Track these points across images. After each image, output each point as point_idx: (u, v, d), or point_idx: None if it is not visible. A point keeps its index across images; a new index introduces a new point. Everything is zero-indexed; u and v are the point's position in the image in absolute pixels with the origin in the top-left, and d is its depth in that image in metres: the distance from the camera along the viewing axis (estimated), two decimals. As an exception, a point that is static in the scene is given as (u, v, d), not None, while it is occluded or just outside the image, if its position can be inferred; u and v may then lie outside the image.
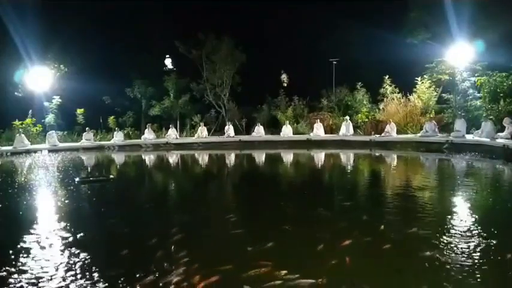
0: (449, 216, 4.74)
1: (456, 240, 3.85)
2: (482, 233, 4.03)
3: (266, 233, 4.26)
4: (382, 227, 4.37)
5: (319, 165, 12.02)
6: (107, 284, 3.09)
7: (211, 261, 3.43)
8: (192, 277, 3.11)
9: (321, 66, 21.54)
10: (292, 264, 3.26)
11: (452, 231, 4.14)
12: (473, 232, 4.08)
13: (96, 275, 3.27)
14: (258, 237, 4.05)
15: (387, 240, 3.91)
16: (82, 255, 3.71)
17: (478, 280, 2.98)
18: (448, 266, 3.22)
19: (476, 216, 4.79)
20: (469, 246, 3.66)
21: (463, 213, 5.12)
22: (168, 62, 24.28)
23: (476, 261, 3.31)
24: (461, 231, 4.10)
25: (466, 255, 3.44)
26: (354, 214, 5.14)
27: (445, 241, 3.81)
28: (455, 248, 3.61)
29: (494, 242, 3.80)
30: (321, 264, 3.32)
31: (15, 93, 19.82)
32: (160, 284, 3.04)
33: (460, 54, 16.19)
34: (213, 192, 7.80)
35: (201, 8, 22.89)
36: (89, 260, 3.59)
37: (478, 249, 3.58)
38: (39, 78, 18.82)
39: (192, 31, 20.97)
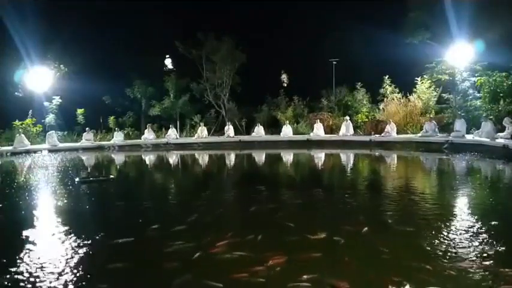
0: (448, 216, 4.75)
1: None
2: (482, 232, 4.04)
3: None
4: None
5: (319, 165, 12.02)
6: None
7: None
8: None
9: (321, 66, 21.56)
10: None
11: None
12: (469, 230, 4.08)
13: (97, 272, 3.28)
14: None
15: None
16: (83, 253, 3.71)
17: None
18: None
19: (476, 216, 4.79)
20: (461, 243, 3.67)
21: (462, 213, 5.12)
22: (168, 62, 24.29)
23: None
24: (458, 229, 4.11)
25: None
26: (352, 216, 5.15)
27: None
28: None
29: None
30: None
31: (15, 93, 19.83)
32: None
33: (460, 54, 16.19)
34: (214, 192, 7.78)
35: (201, 8, 22.93)
36: (91, 258, 3.60)
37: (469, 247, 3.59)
38: (39, 78, 18.82)
39: (192, 31, 21.00)
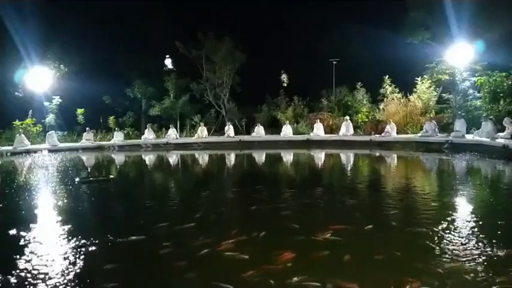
0: (450, 216, 4.75)
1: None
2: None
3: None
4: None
5: (320, 165, 12.02)
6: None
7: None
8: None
9: (321, 66, 21.55)
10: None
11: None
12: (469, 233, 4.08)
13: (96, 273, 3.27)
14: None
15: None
16: (86, 253, 3.71)
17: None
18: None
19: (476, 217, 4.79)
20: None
21: (463, 213, 5.12)
22: (168, 62, 24.26)
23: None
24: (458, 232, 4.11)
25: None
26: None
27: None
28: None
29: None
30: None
31: (15, 93, 19.82)
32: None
33: (460, 54, 16.17)
34: (215, 192, 7.77)
35: (201, 8, 22.92)
36: (93, 258, 3.59)
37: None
38: (39, 78, 18.80)
39: (192, 31, 20.99)
